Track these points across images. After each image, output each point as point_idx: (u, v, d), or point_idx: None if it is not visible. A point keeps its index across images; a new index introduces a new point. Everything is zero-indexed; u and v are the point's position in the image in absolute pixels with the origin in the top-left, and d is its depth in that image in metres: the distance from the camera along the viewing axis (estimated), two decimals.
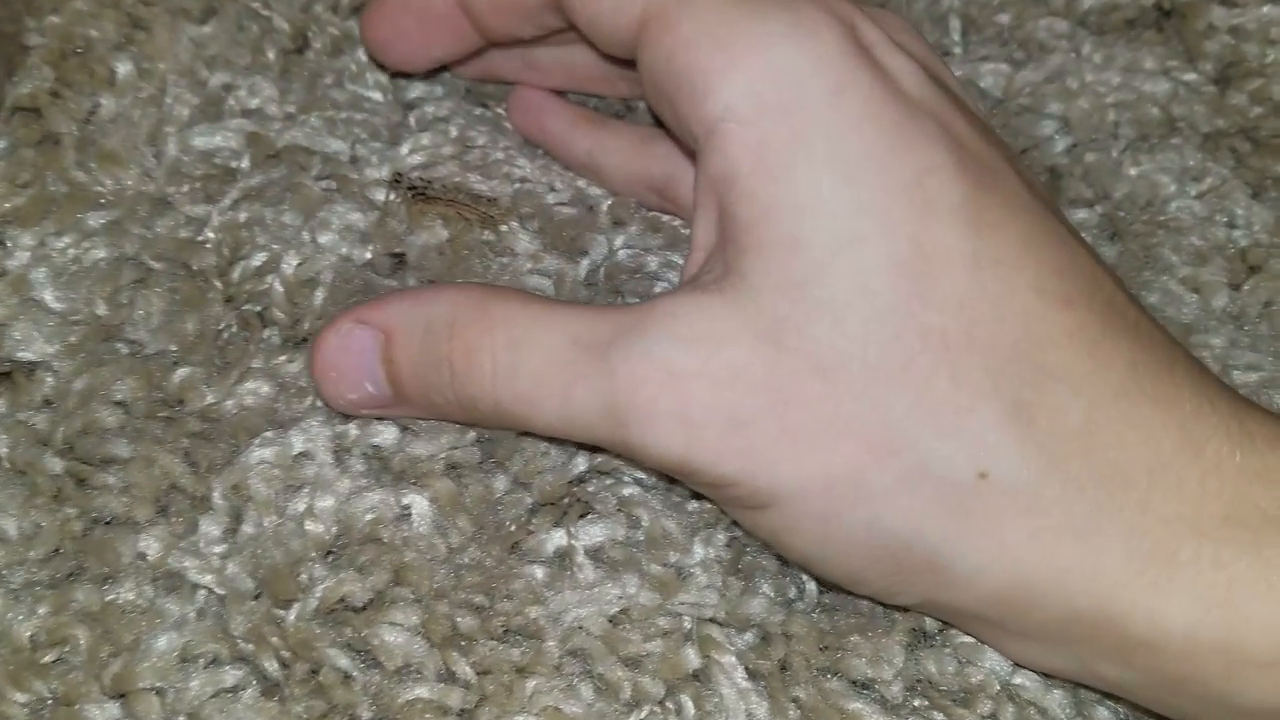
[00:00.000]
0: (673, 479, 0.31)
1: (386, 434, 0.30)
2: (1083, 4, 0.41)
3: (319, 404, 0.31)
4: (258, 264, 0.33)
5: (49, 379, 0.31)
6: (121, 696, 0.27)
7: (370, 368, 0.29)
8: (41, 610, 0.28)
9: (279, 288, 0.33)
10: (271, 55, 0.37)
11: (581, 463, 0.31)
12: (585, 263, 0.34)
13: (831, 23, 0.26)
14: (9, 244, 0.32)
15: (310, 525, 0.29)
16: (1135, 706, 0.29)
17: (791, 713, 0.28)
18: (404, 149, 0.36)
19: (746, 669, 0.28)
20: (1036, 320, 0.25)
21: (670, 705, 0.28)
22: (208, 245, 0.33)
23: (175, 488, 0.30)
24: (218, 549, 0.29)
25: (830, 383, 0.25)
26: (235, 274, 0.33)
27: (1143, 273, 0.35)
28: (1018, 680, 0.29)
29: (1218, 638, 0.24)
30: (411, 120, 0.37)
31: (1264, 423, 0.26)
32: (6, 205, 0.33)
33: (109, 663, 0.27)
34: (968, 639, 0.29)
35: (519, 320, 0.27)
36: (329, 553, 0.29)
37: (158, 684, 0.27)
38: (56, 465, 0.29)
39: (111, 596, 0.28)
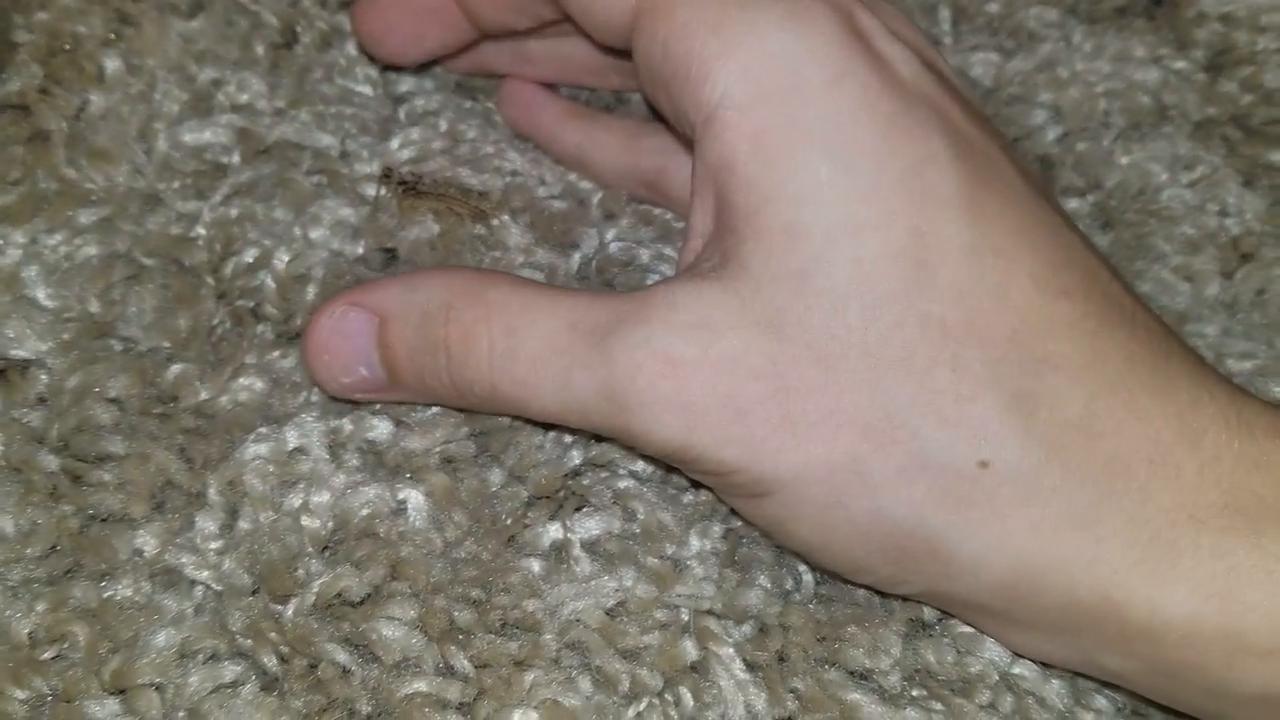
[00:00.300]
0: (669, 470, 0.31)
1: (381, 428, 0.30)
2: None
3: (313, 399, 0.31)
4: (249, 260, 0.33)
5: (43, 376, 0.31)
6: (121, 692, 0.27)
7: (365, 351, 0.29)
8: (40, 607, 0.28)
9: (271, 283, 0.33)
10: (260, 50, 0.37)
11: (576, 456, 0.31)
12: (577, 256, 0.34)
13: (828, 10, 0.26)
14: (0, 241, 0.32)
15: (306, 520, 0.29)
16: (1134, 696, 0.29)
17: (790, 703, 0.28)
18: (394, 143, 0.36)
19: (744, 660, 0.28)
20: (1035, 311, 0.25)
21: (669, 697, 0.28)
22: (199, 241, 0.33)
23: (171, 484, 0.30)
24: (214, 545, 0.29)
25: (831, 372, 0.25)
26: (227, 270, 0.33)
27: (1135, 262, 0.35)
28: (1016, 670, 0.29)
29: (1217, 626, 0.24)
30: (401, 114, 0.37)
31: (1261, 412, 0.26)
32: None
33: (108, 659, 0.27)
34: (966, 629, 0.29)
35: (516, 305, 0.27)
36: (325, 548, 0.29)
37: (157, 680, 0.27)
38: (52, 462, 0.29)
39: (109, 593, 0.28)
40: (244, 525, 0.29)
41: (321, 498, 0.29)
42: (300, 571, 0.28)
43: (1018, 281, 0.25)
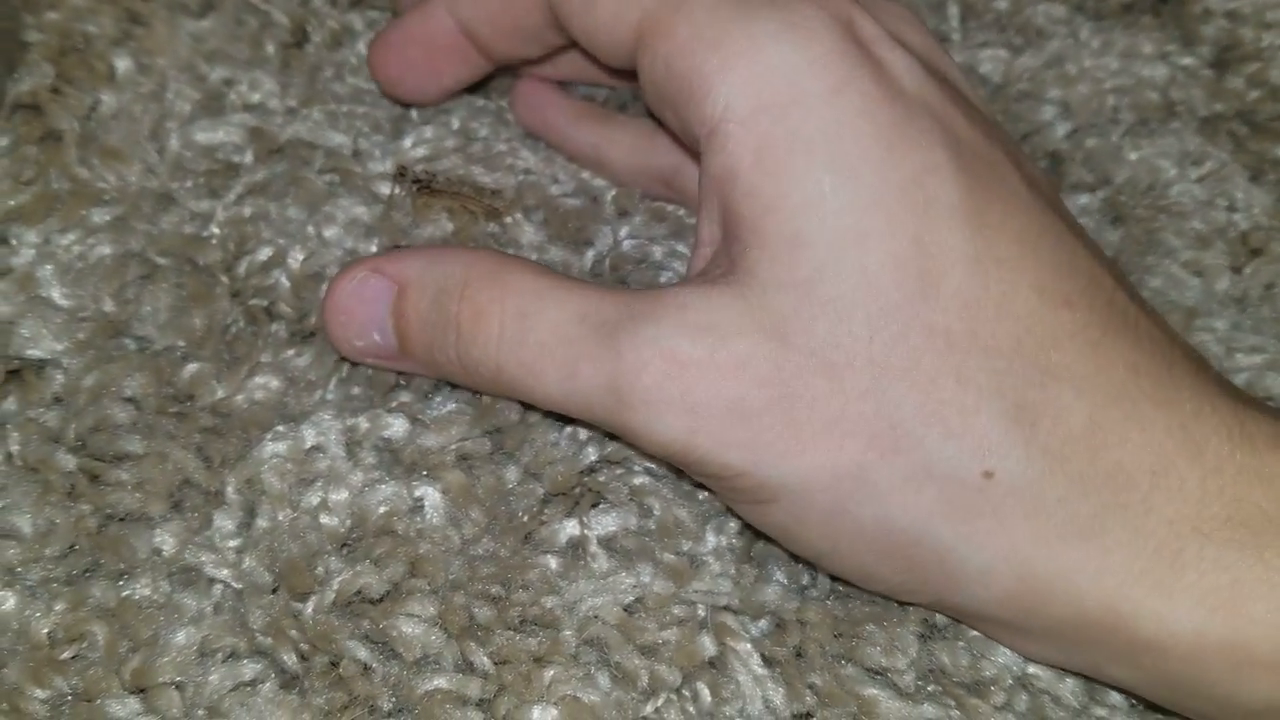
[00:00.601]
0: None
1: (397, 426, 0.31)
2: None
3: (328, 397, 0.31)
4: (263, 259, 0.33)
5: (58, 376, 0.31)
6: (141, 691, 0.27)
7: (380, 318, 0.29)
8: (58, 607, 0.28)
9: (285, 282, 0.33)
10: (271, 49, 0.37)
11: (592, 452, 0.31)
12: (590, 253, 0.34)
13: (826, 20, 0.26)
14: (14, 241, 0.32)
15: (325, 518, 0.29)
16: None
17: (808, 699, 0.28)
18: (406, 142, 0.36)
19: (762, 656, 0.28)
20: (1038, 321, 0.25)
21: (687, 693, 0.28)
22: (213, 240, 0.33)
23: (188, 483, 0.30)
24: (232, 543, 0.29)
25: (836, 380, 0.25)
26: (241, 269, 0.33)
27: (1146, 257, 0.36)
28: (1031, 670, 0.29)
29: (1223, 639, 0.25)
30: (414, 113, 0.37)
31: (1263, 423, 0.26)
32: (10, 203, 0.33)
33: (128, 658, 0.27)
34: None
35: (530, 290, 0.28)
36: (344, 545, 0.29)
37: (177, 678, 0.27)
38: (69, 462, 0.29)
39: (128, 592, 0.28)
40: (262, 523, 0.29)
41: (339, 495, 0.29)
42: (320, 569, 0.28)
43: (1021, 291, 0.26)
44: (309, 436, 0.30)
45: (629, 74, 0.29)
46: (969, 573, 0.26)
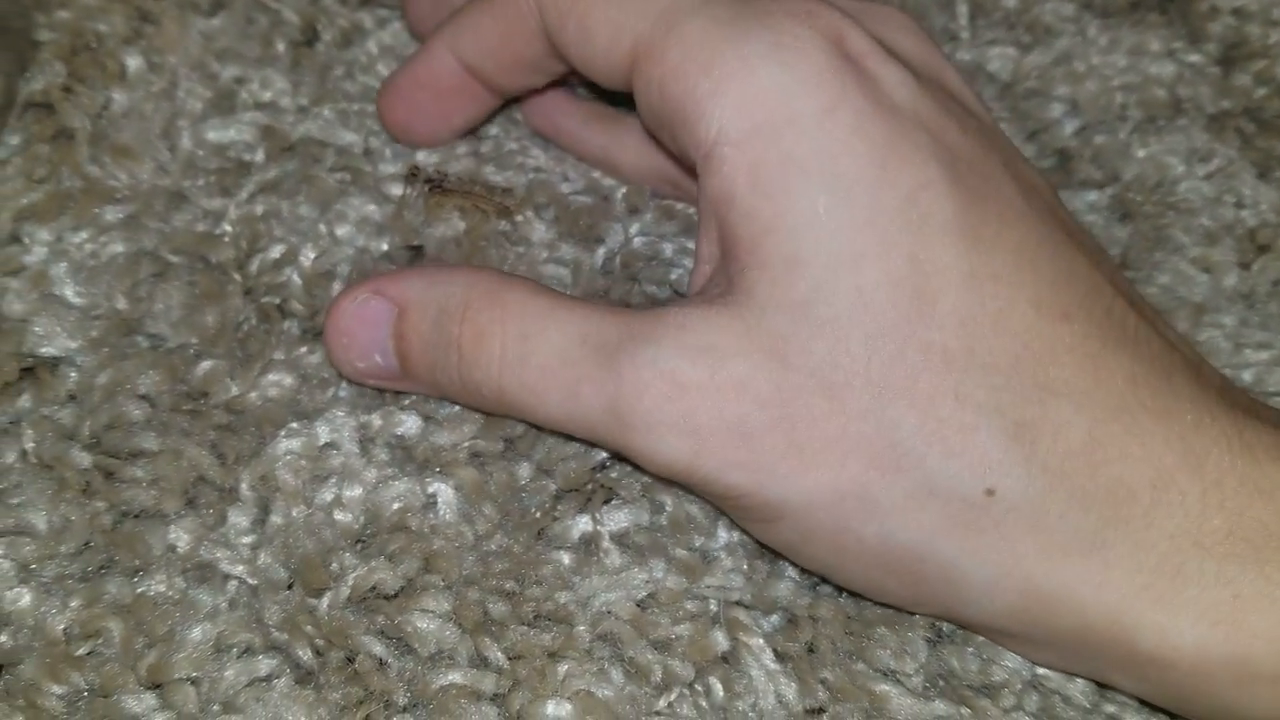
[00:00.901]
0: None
1: (410, 423, 0.31)
2: None
3: (341, 394, 0.31)
4: (275, 256, 0.33)
5: (72, 374, 0.31)
6: (157, 687, 0.27)
7: (381, 340, 0.30)
8: (74, 604, 0.28)
9: (297, 280, 0.33)
10: (281, 48, 0.37)
11: (603, 449, 0.31)
12: (601, 251, 0.34)
13: (816, 38, 0.27)
14: (26, 240, 0.32)
15: (339, 515, 0.29)
16: None
17: (820, 694, 0.28)
18: None
19: (774, 651, 0.28)
20: (1036, 336, 0.26)
21: (700, 687, 0.28)
22: (225, 238, 0.33)
23: (203, 480, 0.30)
24: (247, 540, 0.29)
25: (836, 400, 0.25)
26: (253, 266, 0.33)
27: (1154, 253, 0.36)
28: (1040, 672, 0.29)
29: (1225, 653, 0.25)
30: None
31: (1263, 432, 0.26)
32: (23, 201, 0.33)
33: (144, 654, 0.27)
34: None
35: (531, 312, 0.28)
36: (358, 542, 0.29)
37: (193, 674, 0.27)
38: (84, 459, 0.29)
39: (143, 589, 0.28)
40: (277, 520, 0.29)
41: (353, 492, 0.29)
42: (334, 565, 0.28)
43: (1018, 307, 0.26)
44: (323, 433, 0.30)
45: (629, 96, 0.29)
46: (973, 587, 0.26)
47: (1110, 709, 0.29)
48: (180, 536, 0.29)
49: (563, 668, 0.28)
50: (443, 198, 0.34)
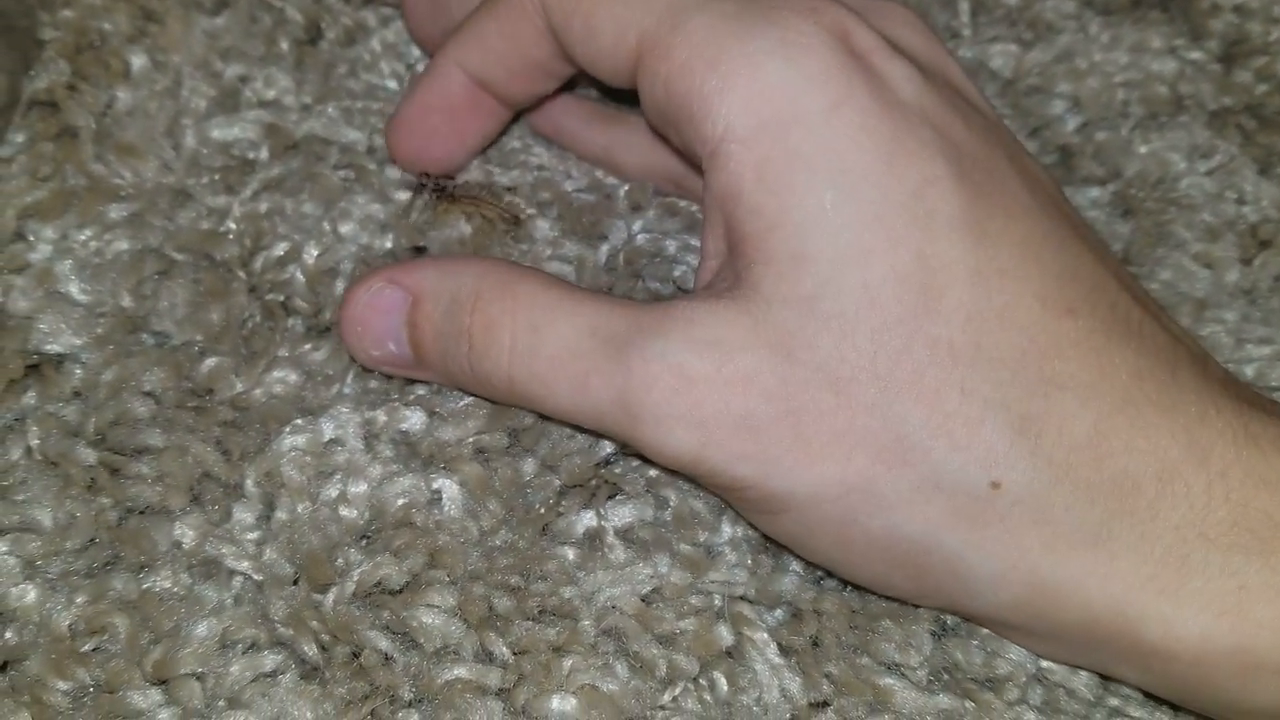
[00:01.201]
0: None
1: (414, 419, 0.31)
2: None
3: (345, 391, 0.31)
4: (279, 254, 0.33)
5: (77, 371, 0.31)
6: (163, 682, 0.27)
7: (395, 328, 0.30)
8: (79, 600, 0.28)
9: (300, 277, 0.33)
10: (285, 46, 0.37)
11: (608, 445, 0.31)
12: (605, 248, 0.34)
13: (822, 35, 0.27)
14: (31, 237, 0.33)
15: (344, 510, 0.29)
16: None
17: (825, 688, 0.28)
18: None
19: (779, 645, 0.29)
20: (1041, 330, 0.26)
21: (704, 681, 0.28)
22: (229, 236, 0.33)
23: (208, 476, 0.30)
24: (252, 535, 0.29)
25: (842, 395, 0.25)
26: (257, 264, 0.33)
27: (1156, 249, 0.36)
28: (1044, 665, 0.29)
29: (1229, 644, 0.25)
30: None
31: (1268, 424, 0.26)
32: (27, 199, 0.33)
33: (149, 649, 0.27)
34: None
35: (541, 303, 0.28)
36: (363, 537, 0.29)
37: (198, 670, 0.27)
38: (89, 456, 0.30)
39: (149, 585, 0.28)
40: (281, 516, 0.29)
41: (358, 488, 0.29)
42: (339, 560, 0.28)
43: (1023, 301, 0.26)
44: (327, 430, 0.30)
45: (634, 93, 0.29)
46: (979, 579, 0.26)
47: (1114, 702, 0.29)
48: (185, 533, 0.29)
49: (567, 662, 0.28)
50: (450, 204, 0.34)
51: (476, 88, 0.33)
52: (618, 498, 0.30)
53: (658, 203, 0.35)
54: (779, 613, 0.29)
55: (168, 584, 0.28)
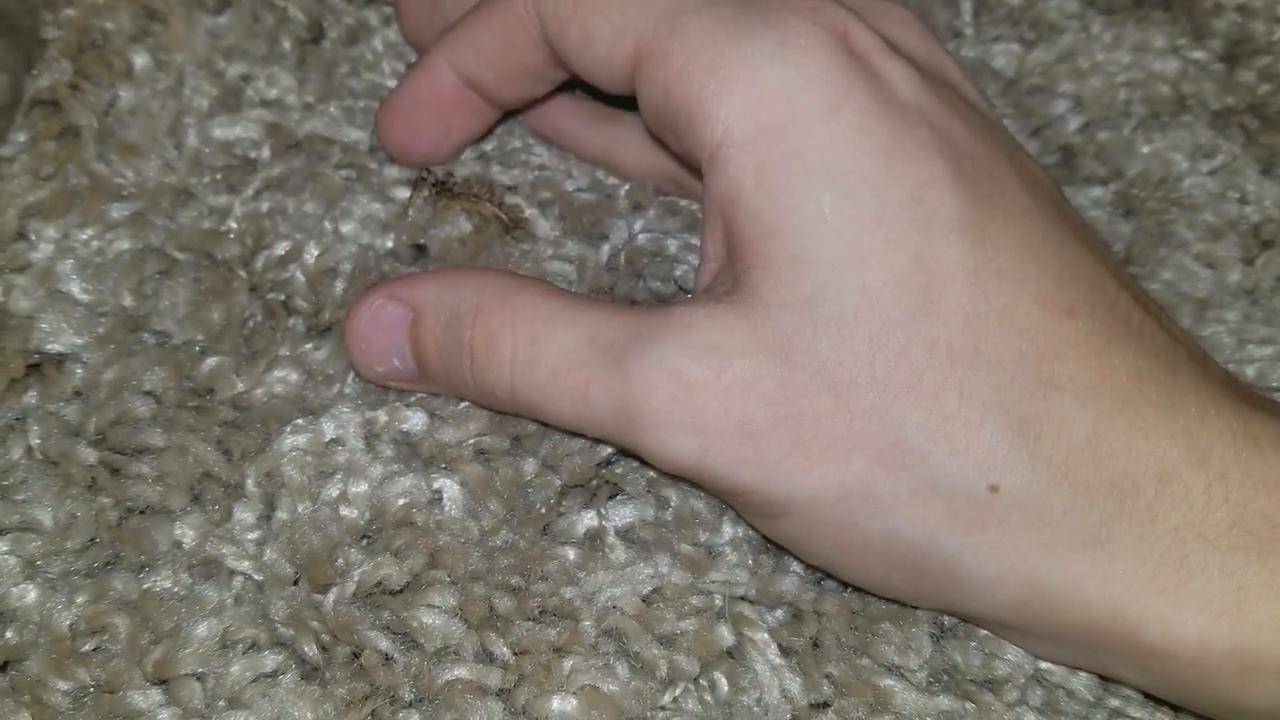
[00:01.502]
0: None
1: (415, 420, 0.31)
2: None
3: (346, 391, 0.31)
4: (280, 253, 0.33)
5: (78, 370, 0.31)
6: (163, 682, 0.27)
7: (398, 344, 0.30)
8: (80, 599, 0.28)
9: (301, 277, 0.33)
10: (287, 45, 0.37)
11: (609, 445, 0.31)
12: (606, 247, 0.34)
13: (820, 36, 0.26)
14: (33, 237, 0.33)
15: (345, 510, 0.29)
16: None
17: (825, 688, 0.28)
18: None
19: (779, 646, 0.28)
20: (1040, 332, 0.26)
21: (705, 682, 0.28)
22: (231, 235, 0.33)
23: (209, 476, 0.30)
24: (253, 535, 0.29)
25: (841, 398, 0.25)
26: (259, 263, 0.33)
27: (1158, 249, 0.36)
28: (1043, 666, 0.29)
29: (1228, 644, 0.25)
30: None
31: (1268, 424, 0.26)
32: (29, 199, 0.33)
33: (150, 650, 0.27)
34: None
35: (541, 314, 0.28)
36: (364, 537, 0.29)
37: (199, 670, 0.27)
38: (90, 455, 0.30)
39: (149, 584, 0.28)
40: (282, 516, 0.29)
41: (359, 488, 0.29)
42: (340, 561, 0.28)
43: (1022, 303, 0.26)
44: (328, 429, 0.30)
45: (630, 99, 0.29)
46: (978, 582, 0.26)
47: (1114, 703, 0.29)
48: (186, 532, 0.29)
49: (568, 663, 0.28)
50: (450, 201, 0.34)
51: (465, 87, 0.33)
52: (618, 498, 0.30)
53: (659, 202, 0.35)
54: (780, 613, 0.29)
55: (168, 584, 0.28)
